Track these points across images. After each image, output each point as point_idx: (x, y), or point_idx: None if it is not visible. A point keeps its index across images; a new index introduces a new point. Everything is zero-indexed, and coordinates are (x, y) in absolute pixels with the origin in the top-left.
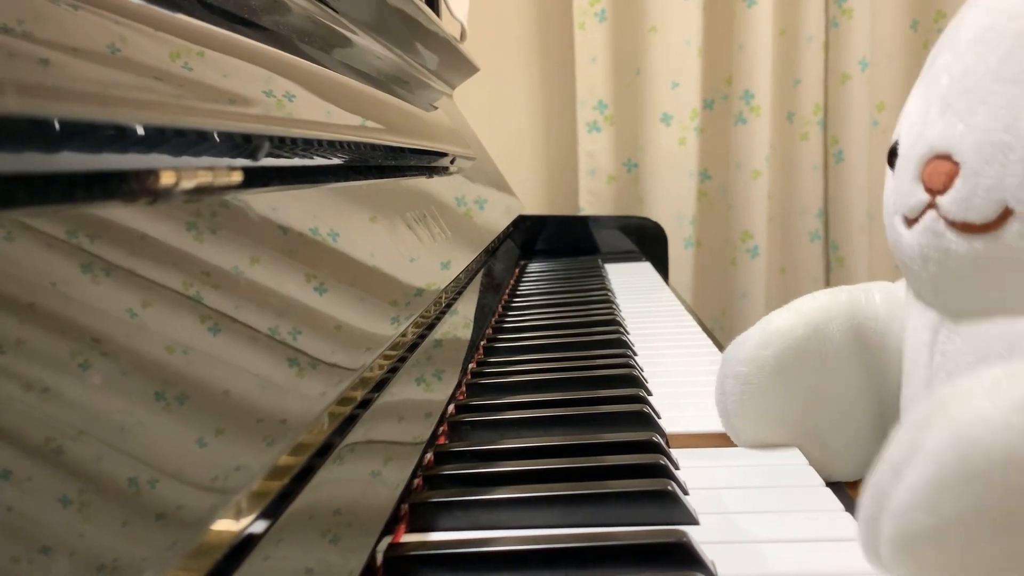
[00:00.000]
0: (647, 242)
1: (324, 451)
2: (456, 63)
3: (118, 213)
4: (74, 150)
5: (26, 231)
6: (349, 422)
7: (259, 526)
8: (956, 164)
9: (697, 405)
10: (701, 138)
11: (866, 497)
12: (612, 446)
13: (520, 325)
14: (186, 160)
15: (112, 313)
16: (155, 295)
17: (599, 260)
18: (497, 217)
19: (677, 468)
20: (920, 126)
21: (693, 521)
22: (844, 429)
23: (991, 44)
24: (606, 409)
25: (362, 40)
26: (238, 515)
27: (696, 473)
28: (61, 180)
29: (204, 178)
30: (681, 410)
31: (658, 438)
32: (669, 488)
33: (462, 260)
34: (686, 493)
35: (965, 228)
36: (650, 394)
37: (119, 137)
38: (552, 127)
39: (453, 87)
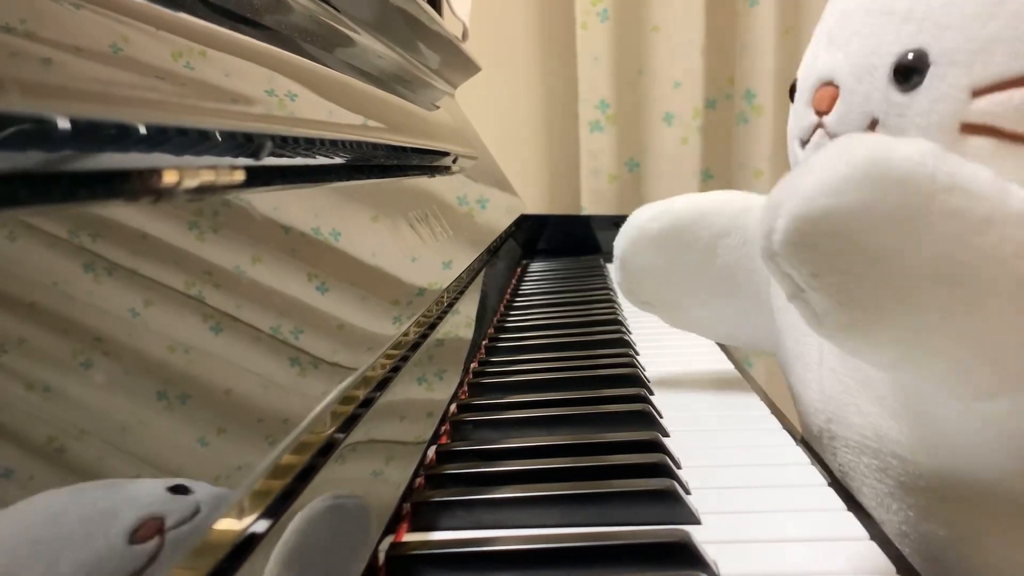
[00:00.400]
0: None
1: (326, 450)
2: (458, 62)
3: (120, 212)
4: (76, 149)
5: (28, 230)
6: (351, 421)
7: (261, 525)
8: (837, 87)
9: (699, 404)
10: (703, 138)
11: (775, 189)
12: (614, 445)
13: (522, 324)
14: (188, 159)
15: (114, 312)
16: (157, 294)
17: (601, 260)
18: (499, 216)
19: (679, 467)
20: (811, 58)
21: (695, 520)
22: (706, 303)
23: None
24: (608, 408)
25: (364, 39)
26: (240, 514)
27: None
28: (63, 179)
29: (206, 177)
30: (684, 410)
31: (660, 437)
32: (671, 487)
33: (464, 259)
34: (688, 492)
35: None
36: (652, 393)
37: (121, 136)
38: (554, 126)
39: (455, 86)
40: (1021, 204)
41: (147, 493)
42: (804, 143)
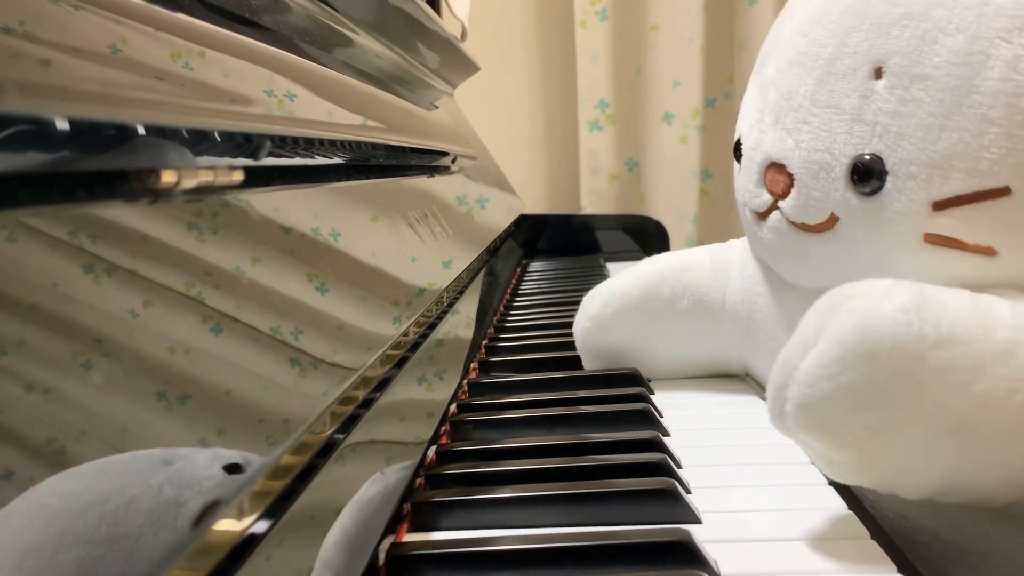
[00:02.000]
0: (649, 241)
1: (326, 450)
2: (457, 62)
3: (119, 213)
4: (75, 150)
5: (27, 231)
6: (351, 421)
7: (261, 526)
8: (790, 175)
9: (700, 404)
10: (703, 137)
11: (776, 369)
12: (614, 445)
13: (522, 324)
14: (189, 160)
15: (113, 313)
16: (156, 295)
17: (601, 259)
18: (499, 216)
19: (680, 467)
20: (757, 133)
21: (696, 520)
22: (667, 361)
23: (807, 69)
24: (608, 408)
25: (363, 39)
26: (240, 515)
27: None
28: (62, 180)
29: (205, 178)
30: (684, 409)
31: (660, 436)
32: (672, 487)
33: (464, 259)
34: (688, 492)
35: (804, 227)
36: (652, 392)
37: (120, 137)
38: (553, 126)
39: (454, 86)
40: (1007, 332)
41: (208, 476)
42: (760, 215)
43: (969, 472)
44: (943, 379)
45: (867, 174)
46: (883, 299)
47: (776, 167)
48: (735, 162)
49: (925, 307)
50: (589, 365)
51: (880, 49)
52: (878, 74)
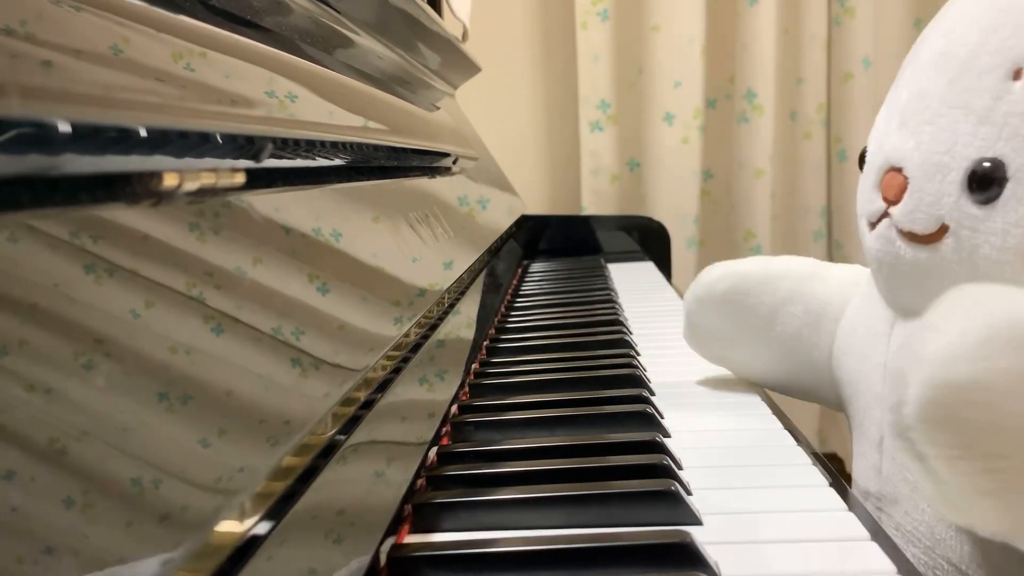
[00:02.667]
0: (650, 242)
1: (328, 452)
2: (458, 63)
3: (121, 215)
4: (77, 152)
5: (30, 233)
6: (352, 422)
7: (263, 527)
8: (906, 178)
9: (701, 405)
10: (704, 137)
11: (893, 370)
12: (615, 446)
13: (523, 325)
14: (189, 162)
15: (115, 314)
16: (158, 296)
17: (602, 260)
18: (500, 217)
19: (680, 468)
20: (881, 136)
21: (697, 521)
22: (768, 361)
23: (942, 68)
24: (609, 409)
25: (364, 40)
26: (242, 516)
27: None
28: (64, 182)
29: (207, 179)
30: (685, 411)
31: (661, 438)
32: (672, 488)
33: (465, 260)
34: (689, 493)
35: (911, 237)
36: (653, 394)
37: (122, 139)
38: (554, 127)
39: (455, 87)
40: None
41: None
42: (872, 225)
43: None
44: None
45: (986, 180)
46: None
47: (893, 171)
48: (860, 172)
49: None
50: (688, 334)
51: (1022, 48)
52: (1017, 75)
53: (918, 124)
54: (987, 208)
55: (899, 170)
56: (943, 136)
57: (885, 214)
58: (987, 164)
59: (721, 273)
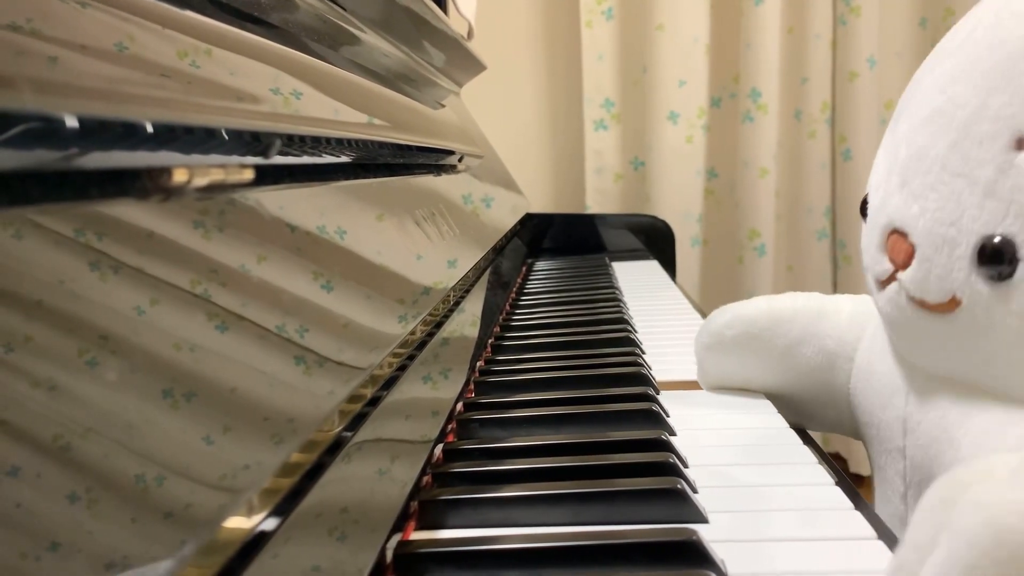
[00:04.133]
0: (654, 240)
1: (333, 449)
2: (463, 61)
3: (126, 211)
4: (84, 148)
5: (35, 228)
6: (358, 420)
7: (269, 524)
8: (912, 244)
9: (707, 404)
10: (708, 136)
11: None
12: (621, 444)
13: (528, 323)
14: (195, 158)
15: (120, 311)
16: (163, 293)
17: (606, 258)
18: (504, 215)
19: (686, 466)
20: (883, 193)
21: (703, 519)
22: (785, 400)
23: (941, 128)
24: (615, 407)
25: (370, 38)
26: (248, 513)
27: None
28: (71, 177)
29: (213, 176)
30: (691, 408)
31: (667, 436)
32: (679, 487)
33: (470, 258)
34: (695, 491)
35: (922, 305)
36: (658, 392)
37: (128, 135)
38: (559, 125)
39: (460, 85)
40: None
41: None
42: (881, 284)
43: None
44: None
45: (996, 257)
46: (1012, 487)
47: (899, 234)
48: (862, 220)
49: None
50: (702, 377)
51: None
52: (1020, 145)
53: (921, 188)
54: (1001, 286)
55: (904, 235)
56: (948, 207)
57: (893, 277)
58: (997, 240)
59: (728, 320)
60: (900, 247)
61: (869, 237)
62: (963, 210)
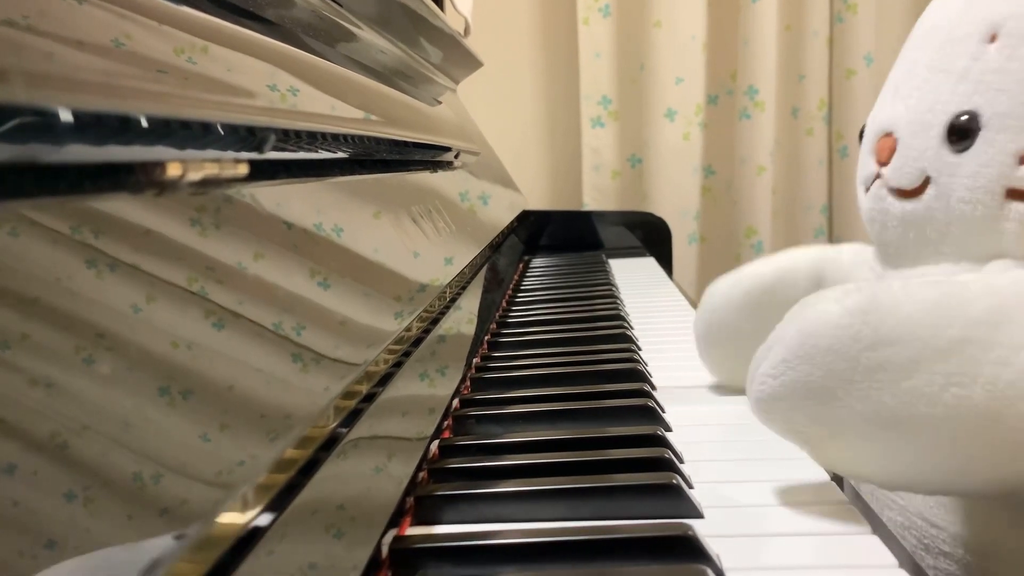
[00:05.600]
0: (651, 238)
1: (329, 445)
2: (460, 58)
3: (121, 206)
4: (78, 141)
5: (30, 224)
6: (354, 416)
7: (265, 519)
8: (896, 139)
9: (702, 400)
10: (705, 133)
11: (750, 366)
12: (617, 440)
13: (524, 320)
14: (190, 153)
15: (116, 307)
16: (158, 289)
17: (603, 255)
18: (501, 212)
19: (682, 462)
20: (877, 108)
21: (698, 514)
22: None
23: (930, 39)
24: (610, 403)
25: (366, 34)
26: (243, 509)
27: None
28: (66, 171)
29: (208, 170)
30: (686, 404)
31: (662, 432)
32: (674, 482)
33: (466, 255)
34: (691, 487)
35: (899, 193)
36: (654, 388)
37: (123, 129)
38: (556, 122)
39: (457, 82)
40: (959, 330)
41: None
42: (867, 189)
43: (909, 463)
44: (874, 377)
45: (962, 131)
46: (832, 303)
47: (886, 136)
48: (859, 144)
49: (872, 310)
50: (705, 355)
51: (997, 14)
52: (992, 38)
53: (907, 90)
54: (962, 155)
55: (890, 134)
56: (927, 98)
57: (877, 176)
58: (964, 116)
59: (732, 280)
60: (885, 145)
61: (862, 152)
62: (938, 96)
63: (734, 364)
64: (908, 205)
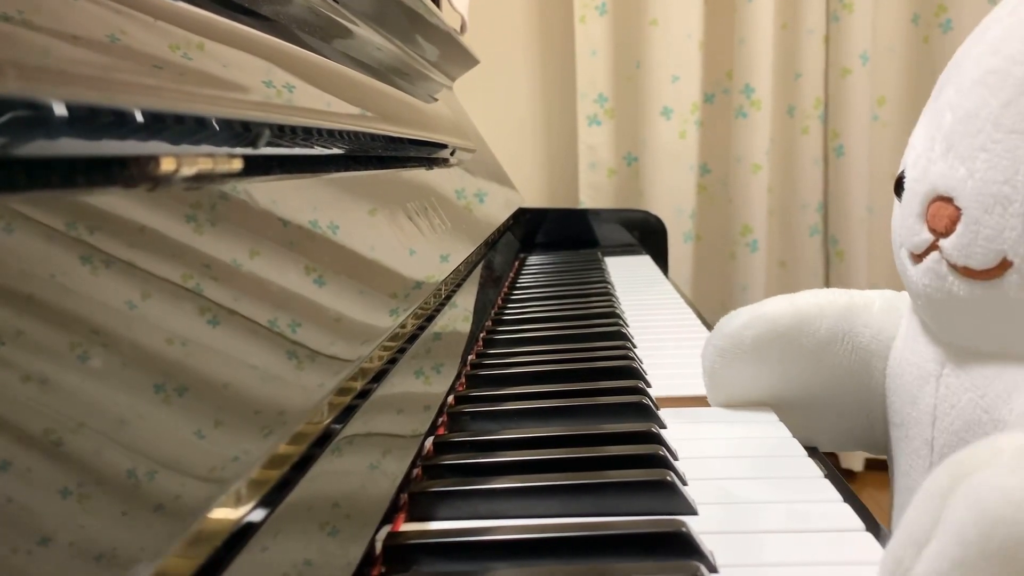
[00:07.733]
0: (647, 236)
1: (323, 441)
2: (456, 55)
3: (115, 201)
4: (73, 136)
5: (23, 219)
6: (348, 412)
7: (259, 515)
8: (958, 209)
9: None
10: (701, 132)
11: (884, 567)
12: (611, 437)
13: (520, 317)
14: (185, 148)
15: (110, 304)
16: (153, 286)
17: (599, 253)
18: (497, 210)
19: (676, 458)
20: (924, 162)
21: (692, 511)
22: (809, 413)
23: (993, 88)
24: (605, 400)
25: (363, 31)
26: (237, 505)
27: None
28: (60, 165)
29: (203, 166)
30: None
31: (657, 429)
32: (668, 478)
33: (462, 252)
34: (685, 483)
35: (966, 273)
36: (649, 386)
37: (118, 123)
38: (552, 120)
39: (453, 79)
40: None
41: None
42: (917, 257)
43: None
44: None
45: None
46: (1011, 474)
47: (942, 200)
48: (895, 199)
49: None
50: (713, 395)
51: None
52: None
53: (969, 150)
54: None
55: (949, 200)
56: (1002, 164)
57: (933, 246)
58: None
59: (747, 319)
60: (943, 213)
61: (906, 210)
62: (1018, 166)
63: (731, 397)
64: (979, 288)
